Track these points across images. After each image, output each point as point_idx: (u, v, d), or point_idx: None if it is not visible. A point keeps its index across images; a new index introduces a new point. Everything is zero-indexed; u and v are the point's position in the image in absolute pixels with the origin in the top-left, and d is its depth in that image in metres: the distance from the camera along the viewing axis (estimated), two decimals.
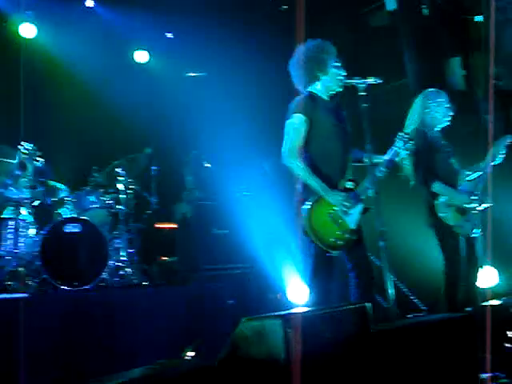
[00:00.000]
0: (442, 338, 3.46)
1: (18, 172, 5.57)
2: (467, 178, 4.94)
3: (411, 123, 5.04)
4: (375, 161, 4.23)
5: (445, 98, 5.07)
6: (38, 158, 5.82)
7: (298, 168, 4.10)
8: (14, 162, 5.78)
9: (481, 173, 4.93)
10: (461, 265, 4.80)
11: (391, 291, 3.84)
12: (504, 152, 4.96)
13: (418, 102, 5.11)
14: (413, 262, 6.52)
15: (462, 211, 4.82)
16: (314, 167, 4.15)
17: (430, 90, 5.22)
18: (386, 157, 4.33)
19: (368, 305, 3.10)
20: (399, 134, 4.37)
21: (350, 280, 4.21)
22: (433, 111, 5.00)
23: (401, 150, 4.34)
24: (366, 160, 4.21)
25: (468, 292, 4.84)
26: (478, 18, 7.00)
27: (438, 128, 5.04)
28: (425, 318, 4.13)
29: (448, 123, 5.07)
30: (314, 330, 2.75)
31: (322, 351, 2.76)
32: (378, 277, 4.13)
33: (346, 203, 4.06)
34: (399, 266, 5.83)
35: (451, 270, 4.80)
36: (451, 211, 4.79)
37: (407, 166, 4.97)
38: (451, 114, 5.05)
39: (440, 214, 4.77)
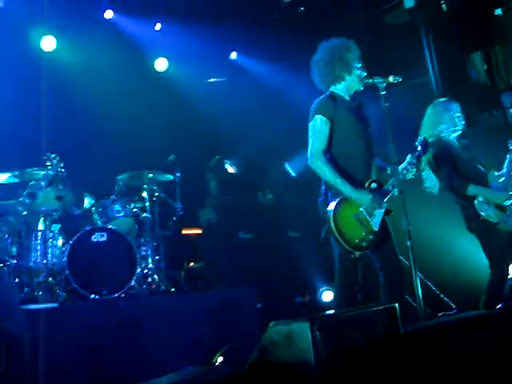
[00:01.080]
0: (475, 336, 3.41)
1: (43, 183, 5.61)
2: (500, 180, 4.89)
3: (424, 134, 4.99)
4: (395, 164, 4.17)
5: (455, 107, 5.03)
6: (61, 169, 5.85)
7: (324, 170, 4.07)
8: (41, 172, 5.81)
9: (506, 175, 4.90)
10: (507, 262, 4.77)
11: (420, 290, 3.80)
12: None
13: (429, 113, 5.09)
14: (441, 260, 6.45)
15: (502, 207, 4.77)
16: (339, 168, 4.12)
17: (440, 100, 5.20)
18: (408, 160, 4.34)
19: (397, 305, 3.07)
20: (419, 138, 4.40)
21: (380, 279, 4.18)
22: (444, 122, 4.96)
23: (421, 154, 4.37)
24: (388, 170, 4.28)
25: None
26: (498, 12, 6.91)
27: (452, 136, 4.99)
28: (456, 317, 4.06)
29: (461, 131, 5.02)
30: (342, 333, 2.73)
31: (351, 353, 2.73)
32: (406, 276, 4.09)
33: (374, 204, 4.03)
34: (428, 264, 5.77)
35: (498, 269, 4.75)
36: (492, 208, 4.75)
37: (427, 177, 4.96)
38: (463, 122, 5.01)
39: (482, 214, 4.73)
